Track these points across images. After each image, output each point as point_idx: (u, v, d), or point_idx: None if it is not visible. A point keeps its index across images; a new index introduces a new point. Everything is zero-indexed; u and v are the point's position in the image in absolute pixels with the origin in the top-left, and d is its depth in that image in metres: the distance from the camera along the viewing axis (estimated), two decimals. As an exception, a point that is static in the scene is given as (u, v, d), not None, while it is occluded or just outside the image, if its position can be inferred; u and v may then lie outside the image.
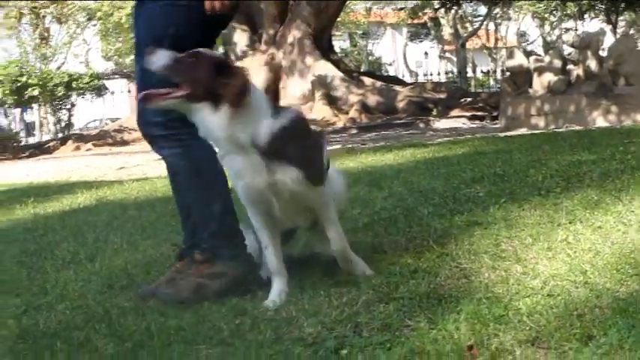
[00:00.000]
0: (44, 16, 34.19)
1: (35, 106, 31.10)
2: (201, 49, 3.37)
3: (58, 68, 38.54)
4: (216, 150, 3.45)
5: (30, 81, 26.91)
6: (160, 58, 3.34)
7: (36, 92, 26.97)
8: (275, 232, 3.56)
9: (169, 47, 3.52)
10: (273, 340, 2.83)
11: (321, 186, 3.47)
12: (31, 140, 32.51)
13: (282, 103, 23.48)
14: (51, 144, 25.38)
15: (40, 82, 27.26)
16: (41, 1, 26.93)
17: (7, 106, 27.00)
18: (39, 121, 38.15)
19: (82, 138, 25.52)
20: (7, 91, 26.09)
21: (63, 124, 29.82)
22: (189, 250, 3.80)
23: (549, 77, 14.59)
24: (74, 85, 28.53)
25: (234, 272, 3.62)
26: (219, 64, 3.31)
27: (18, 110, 30.10)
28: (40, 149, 24.62)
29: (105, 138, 24.38)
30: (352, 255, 3.63)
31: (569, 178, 5.72)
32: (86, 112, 38.43)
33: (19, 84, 26.42)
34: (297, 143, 3.35)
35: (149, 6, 3.74)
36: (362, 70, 40.39)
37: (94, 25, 44.38)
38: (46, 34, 40.44)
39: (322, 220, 3.56)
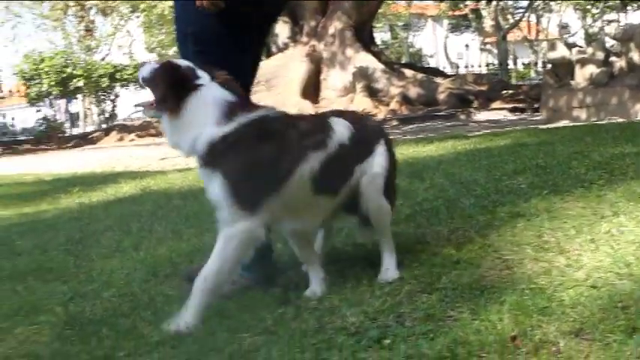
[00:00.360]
0: (90, 8, 34.49)
1: (80, 96, 31.38)
2: (172, 60, 3.31)
3: (103, 59, 38.90)
4: None
5: (75, 72, 27.14)
6: (142, 71, 3.32)
7: (81, 83, 27.20)
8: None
9: (193, 46, 3.53)
10: (316, 329, 2.83)
11: (233, 210, 3.08)
12: (76, 131, 32.83)
13: (323, 94, 23.49)
14: (95, 134, 25.63)
15: (85, 73, 27.48)
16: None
17: (52, 96, 27.20)
18: (83, 112, 38.54)
19: (125, 128, 25.72)
20: (53, 82, 26.33)
21: (107, 114, 30.04)
22: None
23: (592, 69, 14.45)
24: (118, 77, 28.72)
25: (243, 281, 3.54)
26: (163, 72, 3.19)
27: (63, 101, 30.41)
28: (85, 139, 24.87)
29: (148, 129, 24.55)
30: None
31: (612, 170, 5.66)
32: (130, 103, 38.78)
33: (64, 75, 26.65)
34: (235, 156, 3.09)
35: (175, 3, 3.76)
36: (403, 62, 40.26)
37: (138, 17, 44.70)
38: (91, 26, 40.83)
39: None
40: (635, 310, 2.59)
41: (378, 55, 25.47)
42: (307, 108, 22.43)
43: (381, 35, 51.34)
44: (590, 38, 44.23)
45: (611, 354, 2.31)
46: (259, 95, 24.31)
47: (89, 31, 40.72)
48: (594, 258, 3.28)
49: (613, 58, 14.83)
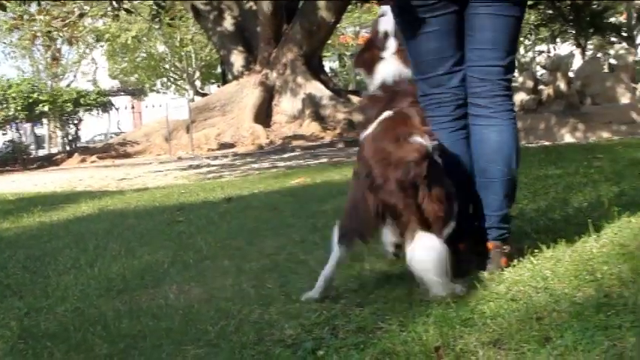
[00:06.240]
0: (56, 38, 34.19)
1: (45, 120, 31.07)
2: None
3: (68, 86, 38.58)
4: None
5: (41, 97, 26.82)
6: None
7: (46, 108, 26.89)
8: None
9: None
10: (255, 342, 2.83)
11: None
12: (41, 153, 32.49)
13: (275, 119, 23.53)
14: (59, 156, 25.32)
15: (50, 99, 27.18)
16: (54, 24, 26.88)
17: (18, 121, 26.86)
18: (48, 135, 38.18)
19: (87, 150, 25.48)
20: (20, 107, 26.00)
21: (70, 137, 29.71)
22: None
23: (522, 96, 14.63)
24: (82, 102, 28.44)
25: None
26: None
27: (29, 125, 30.03)
28: (49, 161, 24.55)
29: (109, 151, 24.32)
30: None
31: (536, 190, 5.75)
32: (93, 127, 38.46)
33: (30, 100, 26.33)
34: None
35: None
36: (350, 89, 40.38)
37: (102, 46, 44.53)
38: (57, 55, 40.48)
39: None
40: (549, 321, 2.62)
41: (326, 82, 25.47)
42: (259, 132, 22.44)
43: (330, 64, 51.56)
44: (522, 68, 44.83)
45: (524, 362, 2.34)
46: (215, 120, 24.30)
47: (55, 59, 40.37)
48: (515, 272, 3.32)
49: (541, 87, 15.06)
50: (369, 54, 3.72)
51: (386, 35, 3.60)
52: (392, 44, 3.58)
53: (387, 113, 3.30)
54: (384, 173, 3.05)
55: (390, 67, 3.55)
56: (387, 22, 3.62)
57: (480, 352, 2.45)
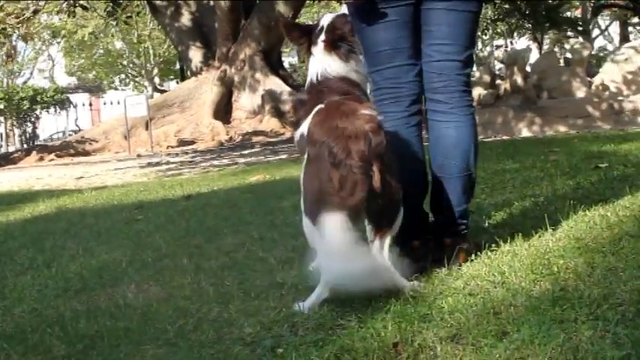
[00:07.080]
0: (11, 35, 33.80)
1: (1, 119, 30.72)
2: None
3: (24, 83, 38.16)
4: None
5: (-4, 95, 26.54)
6: None
7: (2, 106, 26.58)
8: None
9: None
10: (214, 340, 2.81)
11: None
12: (-2, 151, 32.13)
13: (234, 115, 23.46)
14: (16, 155, 25.03)
15: (6, 97, 26.87)
16: (8, 21, 26.51)
17: (-26, 119, 26.59)
18: (5, 133, 37.71)
19: (45, 149, 25.20)
20: (-25, 105, 25.71)
21: (28, 135, 29.42)
22: None
23: (479, 91, 14.75)
24: (39, 99, 28.17)
25: None
26: None
27: (-15, 123, 29.67)
28: (6, 160, 24.24)
29: (67, 149, 24.08)
30: None
31: (494, 185, 5.79)
32: (50, 125, 38.07)
33: (-14, 98, 26.04)
34: None
35: None
36: (309, 84, 40.28)
37: (59, 43, 44.07)
38: (12, 52, 39.99)
39: None
40: (506, 316, 2.64)
41: (285, 78, 25.44)
42: (219, 128, 22.37)
43: (289, 59, 51.47)
44: (480, 62, 45.16)
45: (482, 357, 2.35)
46: (174, 116, 24.17)
47: (10, 56, 39.87)
48: (472, 267, 3.34)
49: (499, 81, 15.20)
50: (296, 34, 3.68)
51: (321, 30, 3.57)
52: (321, 39, 3.54)
53: (319, 106, 3.26)
54: (345, 147, 2.93)
55: (316, 65, 3.52)
56: (328, 19, 3.61)
57: (438, 348, 2.46)
